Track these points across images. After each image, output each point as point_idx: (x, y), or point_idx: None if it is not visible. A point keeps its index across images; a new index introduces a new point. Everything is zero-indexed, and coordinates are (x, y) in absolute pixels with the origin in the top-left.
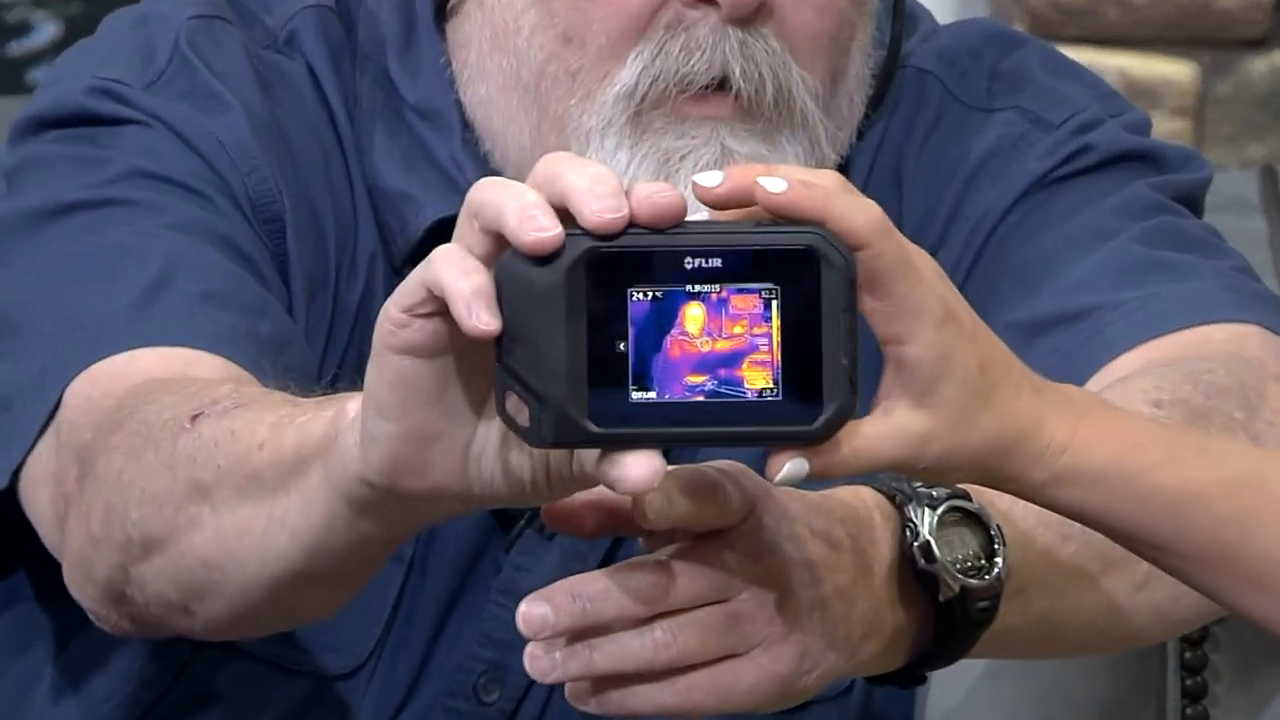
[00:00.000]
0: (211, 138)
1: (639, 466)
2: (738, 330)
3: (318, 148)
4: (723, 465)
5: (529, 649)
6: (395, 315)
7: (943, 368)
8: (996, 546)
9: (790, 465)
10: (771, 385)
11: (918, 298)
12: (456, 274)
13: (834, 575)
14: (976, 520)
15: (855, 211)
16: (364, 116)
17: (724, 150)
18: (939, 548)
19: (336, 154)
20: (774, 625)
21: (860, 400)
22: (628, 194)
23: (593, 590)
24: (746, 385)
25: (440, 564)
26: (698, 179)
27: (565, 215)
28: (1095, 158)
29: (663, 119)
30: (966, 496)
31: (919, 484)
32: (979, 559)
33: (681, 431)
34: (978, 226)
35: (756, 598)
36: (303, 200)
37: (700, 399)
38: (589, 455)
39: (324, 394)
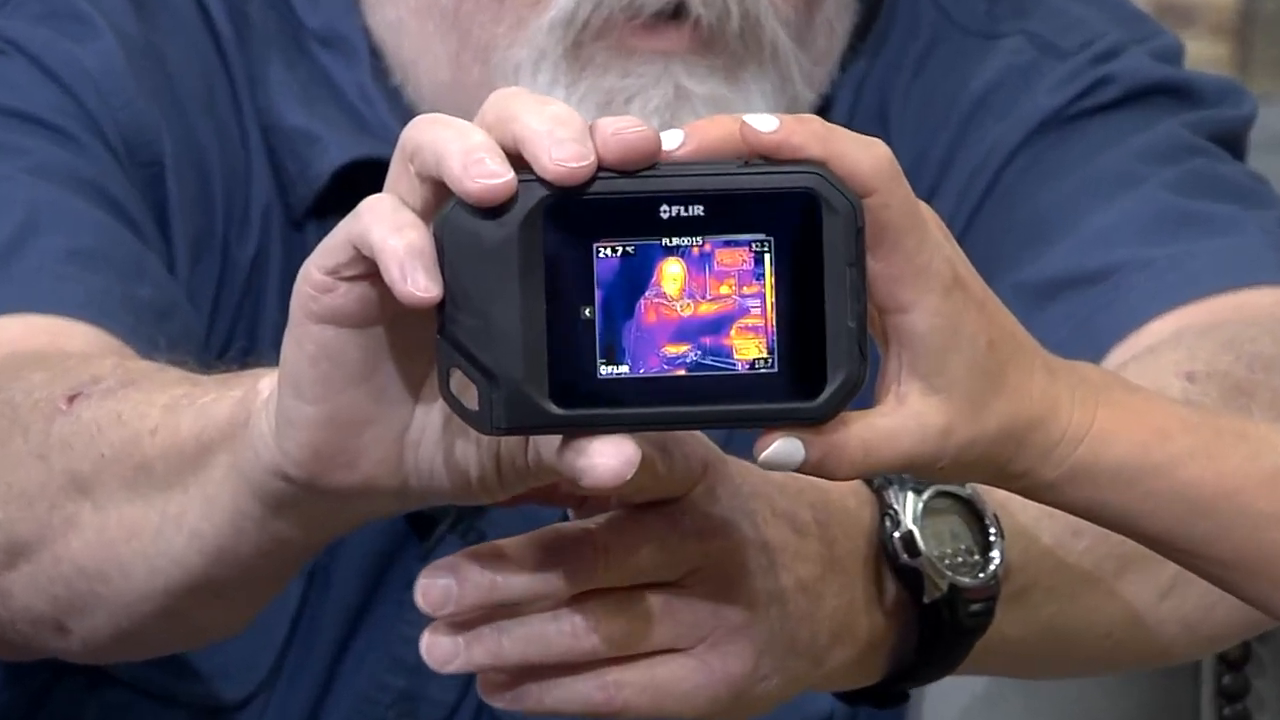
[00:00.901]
0: (76, 66)
1: (610, 455)
2: (724, 290)
3: (202, 78)
4: None
5: (427, 630)
6: (316, 278)
7: (950, 342)
8: (993, 539)
9: (781, 443)
10: (765, 355)
11: (925, 257)
12: (388, 229)
13: (797, 565)
14: (969, 508)
15: (860, 151)
16: (256, 42)
17: (678, 91)
18: (924, 539)
19: (224, 86)
20: (723, 617)
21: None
22: (592, 133)
23: (505, 561)
24: (736, 356)
25: (345, 575)
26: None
27: (518, 159)
28: (1117, 91)
29: (606, 52)
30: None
31: None
32: (972, 554)
33: (659, 412)
34: (978, 172)
35: (703, 583)
36: (186, 140)
37: (681, 373)
38: (548, 443)
39: (228, 370)
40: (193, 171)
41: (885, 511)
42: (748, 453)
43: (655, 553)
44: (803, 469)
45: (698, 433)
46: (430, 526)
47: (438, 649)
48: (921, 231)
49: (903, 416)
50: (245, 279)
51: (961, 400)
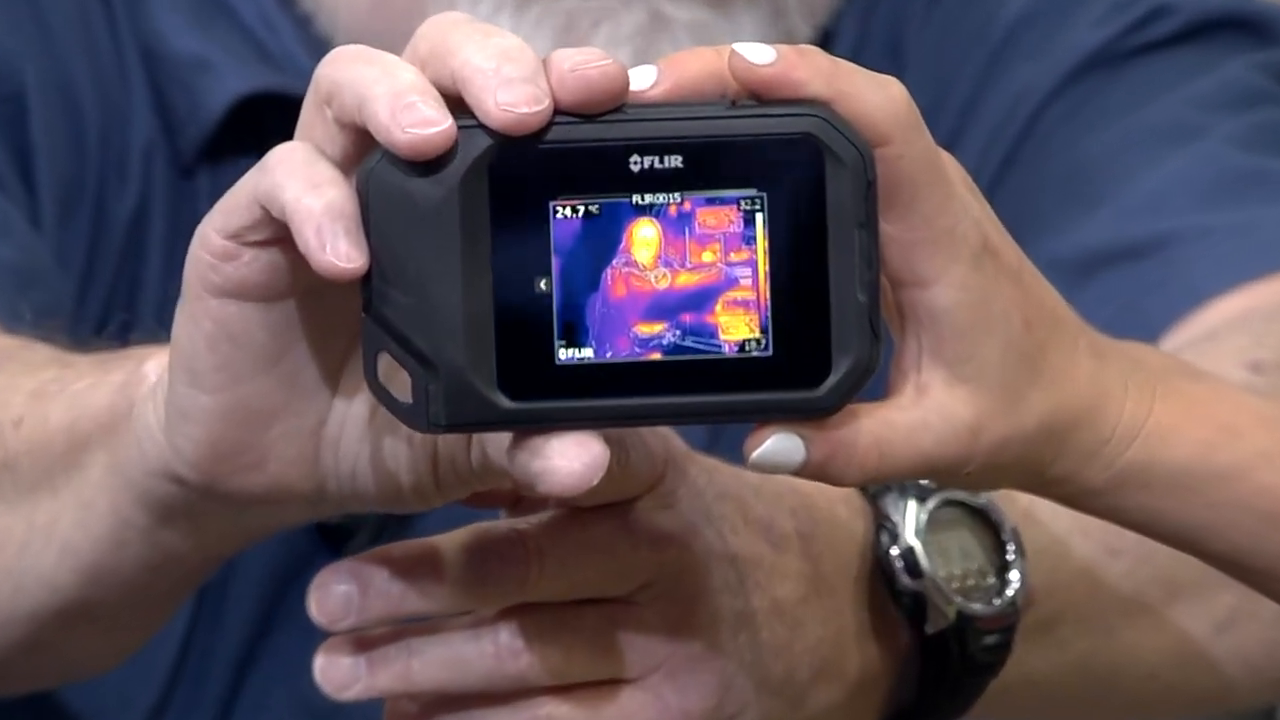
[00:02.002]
0: None
1: (572, 456)
2: (708, 258)
3: None
4: None
5: (322, 648)
6: (215, 243)
7: (980, 321)
8: (1011, 558)
9: (777, 440)
10: (757, 335)
11: (949, 219)
12: (303, 186)
13: (774, 583)
14: (983, 520)
15: (872, 91)
16: None
17: (654, 17)
18: (928, 557)
19: (98, 5)
20: (680, 642)
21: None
22: (546, 70)
23: (418, 566)
24: (722, 336)
25: (241, 596)
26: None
27: (458, 102)
28: (1175, 24)
29: None
30: None
31: None
32: (985, 575)
33: (630, 404)
34: (1006, 122)
35: (657, 600)
36: (52, 72)
37: (656, 357)
38: (497, 442)
39: (106, 348)
40: (61, 107)
41: (881, 523)
42: (738, 455)
43: (601, 562)
44: (802, 472)
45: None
46: (345, 538)
47: (334, 671)
48: (945, 188)
49: (923, 411)
50: (124, 237)
51: (993, 391)
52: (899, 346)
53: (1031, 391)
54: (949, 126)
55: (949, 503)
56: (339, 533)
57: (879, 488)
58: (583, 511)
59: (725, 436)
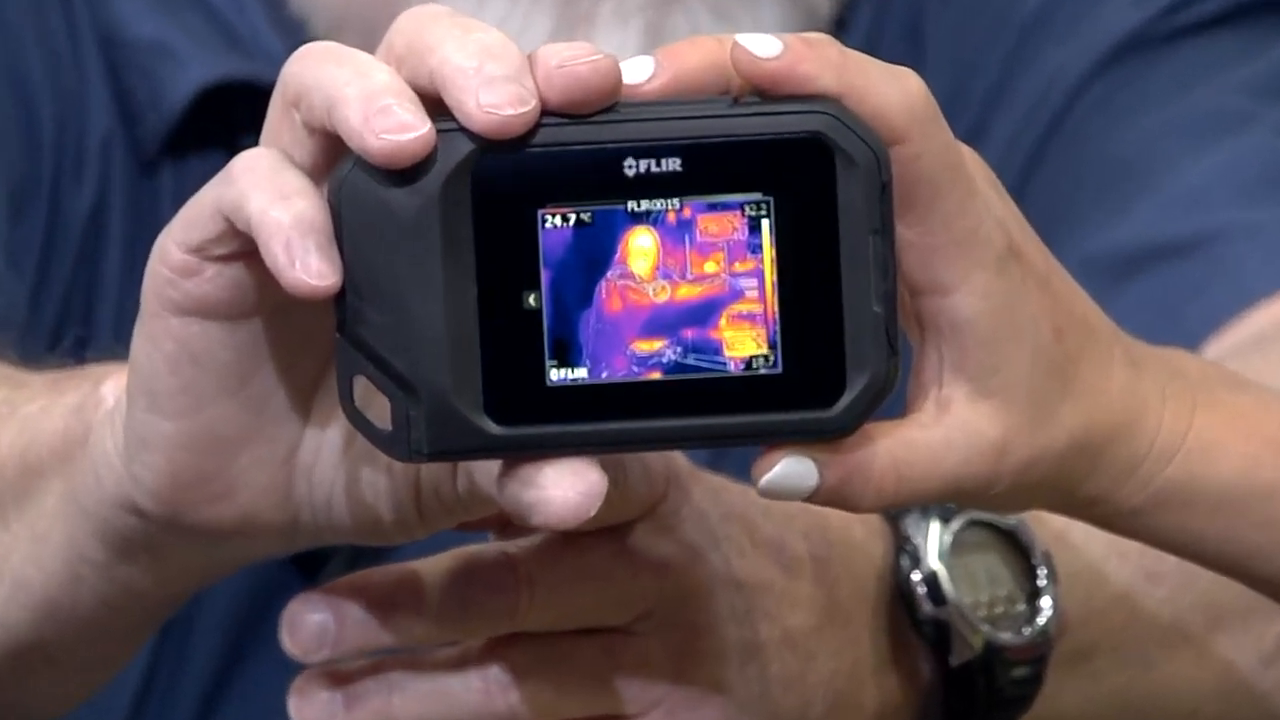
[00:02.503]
0: None
1: (567, 485)
2: (710, 268)
3: None
4: None
5: (296, 683)
6: (176, 257)
7: (1005, 330)
8: (1043, 584)
9: (788, 464)
10: (765, 351)
11: (970, 220)
12: (269, 196)
13: (784, 611)
14: (1011, 542)
15: (886, 84)
16: None
17: None
18: (953, 582)
19: None
20: (683, 677)
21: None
22: (531, 67)
23: (399, 594)
24: (727, 353)
25: (208, 630)
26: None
27: (437, 104)
28: (1218, 5)
29: None
30: None
31: None
32: (1015, 603)
33: (629, 429)
34: (1035, 111)
35: (658, 631)
36: (2, 62)
37: (656, 376)
38: (485, 470)
39: (60, 366)
40: (12, 98)
41: (902, 545)
42: (743, 477)
43: (597, 589)
44: (815, 498)
45: None
46: (318, 564)
47: (309, 708)
48: (966, 187)
49: (946, 429)
50: (81, 236)
51: (1021, 405)
52: (918, 359)
53: (1062, 405)
54: (972, 116)
55: (975, 524)
56: (312, 558)
57: (900, 509)
58: (577, 535)
59: (730, 458)
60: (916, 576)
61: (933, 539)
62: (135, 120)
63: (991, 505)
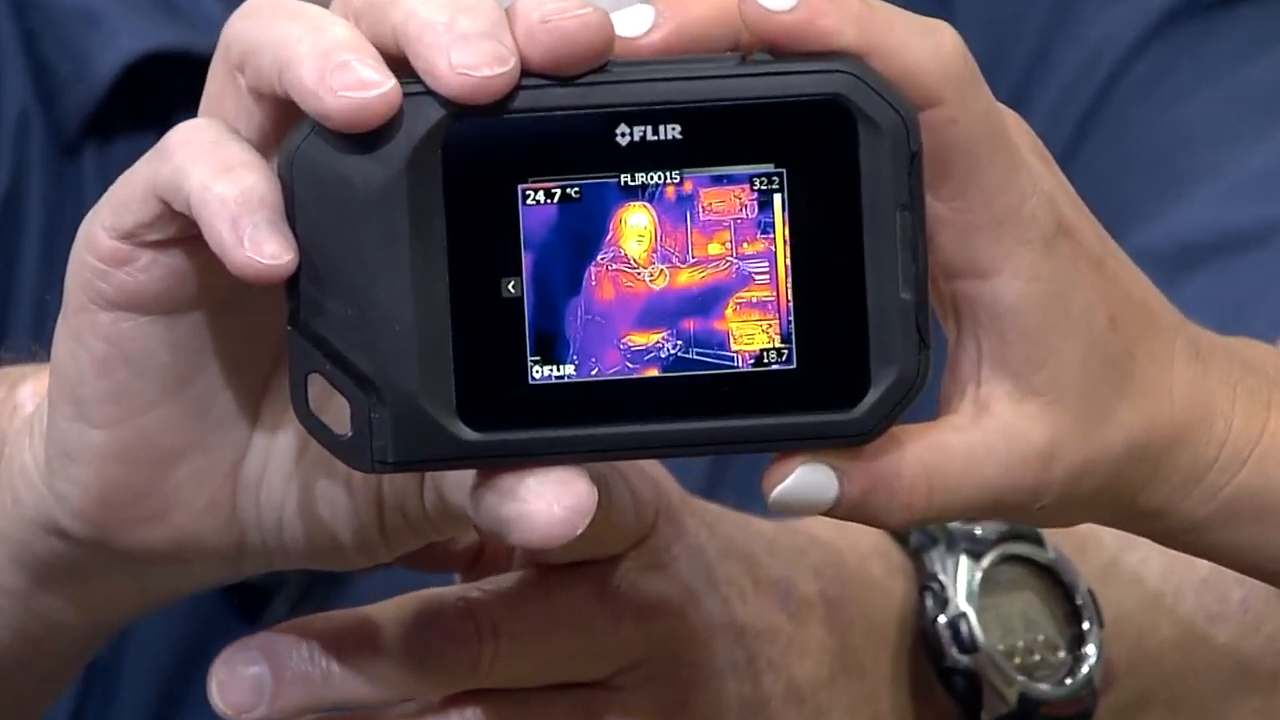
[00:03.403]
0: None
1: (551, 497)
2: (715, 250)
3: None
4: None
5: None
6: (105, 244)
7: (1054, 319)
8: (1087, 628)
9: (804, 473)
10: (778, 344)
11: (1014, 195)
12: (211, 171)
13: (791, 661)
14: (1051, 579)
15: (917, 40)
16: None
17: None
18: (984, 626)
19: None
20: None
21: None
22: (510, 21)
23: (346, 642)
24: (734, 346)
25: (136, 674)
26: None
27: (403, 64)
28: None
29: None
30: (1035, 538)
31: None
32: (1055, 649)
33: (622, 433)
34: (1080, 80)
35: (644, 686)
36: None
37: (653, 374)
38: (457, 481)
39: None
40: None
41: (926, 584)
42: (748, 497)
43: (572, 639)
44: (835, 511)
45: (651, 463)
46: (261, 601)
47: None
48: (1009, 156)
49: (984, 431)
50: None
51: (1071, 405)
52: (954, 352)
53: (1118, 405)
54: (1010, 87)
55: (1009, 559)
56: (253, 595)
57: (922, 540)
58: (550, 574)
59: (731, 471)
60: (943, 620)
61: (961, 576)
62: (55, 96)
63: (1037, 520)
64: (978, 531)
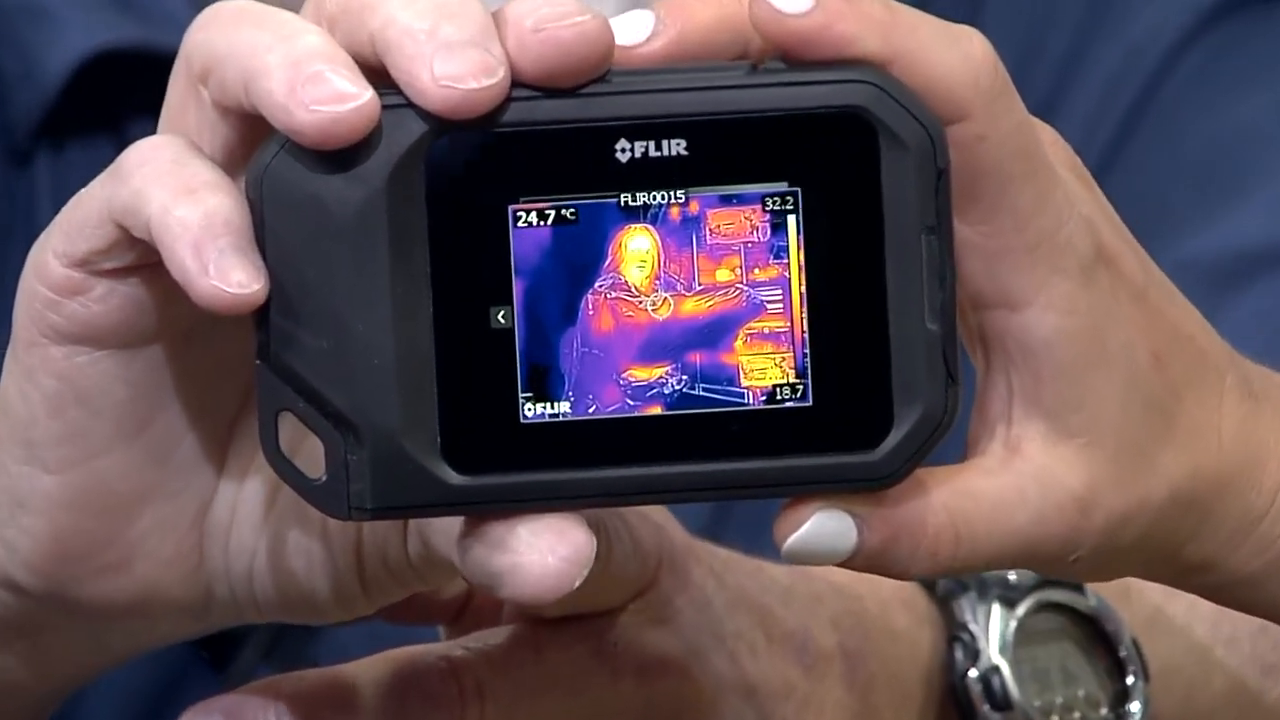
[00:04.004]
0: None
1: (545, 547)
2: (724, 276)
3: None
4: None
5: None
6: (57, 273)
7: (1094, 355)
8: (1131, 682)
9: (820, 520)
10: (792, 379)
11: (1049, 219)
12: (173, 192)
13: None
14: (1092, 629)
15: (944, 49)
16: None
17: None
18: (1018, 681)
19: None
20: None
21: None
22: (499, 28)
23: (318, 706)
24: (744, 381)
25: None
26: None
27: (382, 74)
28: None
29: None
30: (1074, 583)
31: None
32: (1096, 706)
33: (623, 477)
34: (1122, 79)
35: None
36: None
37: (656, 411)
38: (443, 529)
39: None
40: None
41: (956, 635)
42: (755, 541)
43: (566, 701)
44: (854, 561)
45: (656, 509)
46: (228, 652)
47: None
48: (1044, 177)
49: (1015, 475)
50: None
51: (1111, 450)
52: (982, 390)
53: (1162, 450)
54: (1043, 89)
55: (1047, 606)
56: (222, 643)
57: (951, 587)
58: (542, 630)
59: (736, 515)
60: (974, 674)
61: (994, 626)
62: (3, 101)
63: (1073, 574)
64: (1011, 578)
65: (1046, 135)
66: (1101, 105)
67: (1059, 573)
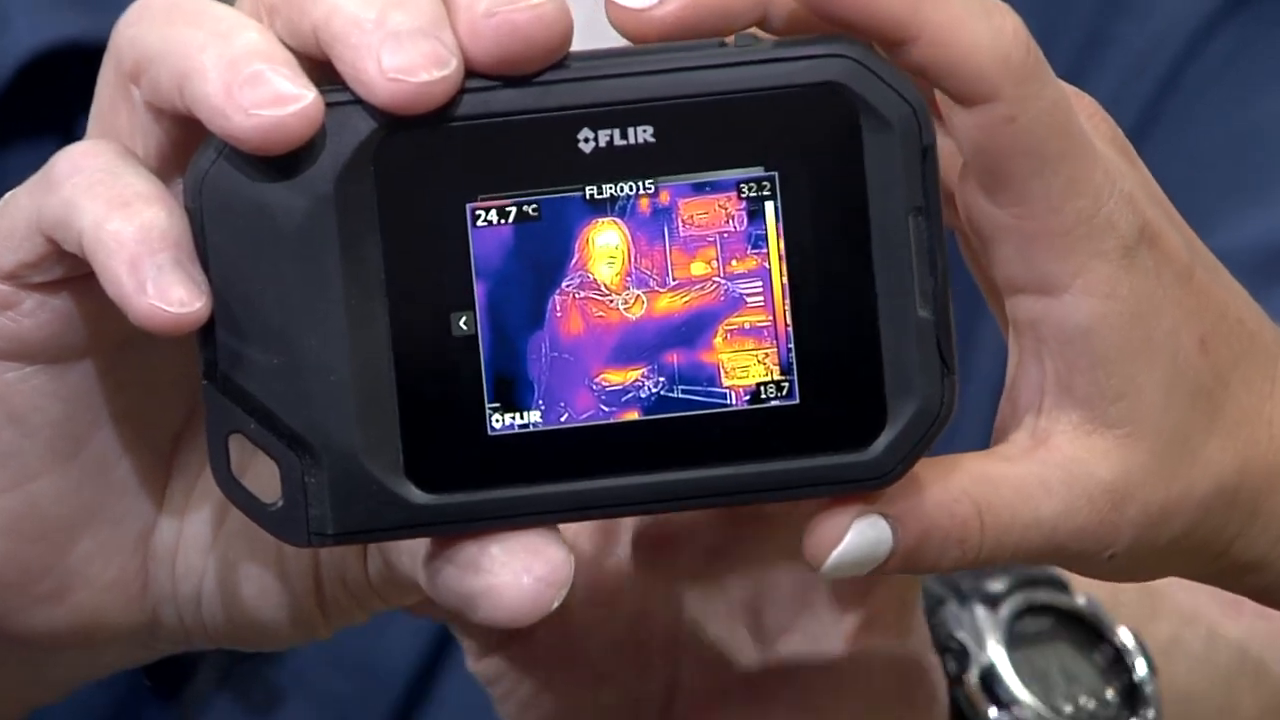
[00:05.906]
0: None
1: (519, 567)
2: (700, 270)
3: None
4: None
5: None
6: None
7: (1136, 342)
8: (1140, 679)
9: (859, 528)
10: (777, 376)
11: (1086, 199)
12: (106, 203)
13: None
14: (1084, 630)
15: (975, 24)
16: None
17: None
18: (1018, 681)
19: None
20: None
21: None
22: (450, 14)
23: None
24: (726, 381)
25: None
26: None
27: (326, 69)
28: None
29: None
30: (1056, 582)
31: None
32: (1105, 703)
33: (598, 489)
34: (1144, 63)
35: None
36: None
37: (633, 417)
38: (408, 551)
39: None
40: None
41: (945, 647)
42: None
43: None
44: (888, 565)
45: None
46: (179, 680)
47: None
48: (1081, 155)
49: (1038, 466)
50: None
51: (1151, 442)
52: (1014, 377)
53: (1207, 440)
54: (1061, 72)
55: (1033, 608)
56: (171, 672)
57: (929, 603)
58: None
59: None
60: (970, 678)
61: (981, 627)
62: None
63: (1108, 573)
64: (990, 584)
65: (1084, 105)
66: (1121, 91)
67: (1095, 573)
